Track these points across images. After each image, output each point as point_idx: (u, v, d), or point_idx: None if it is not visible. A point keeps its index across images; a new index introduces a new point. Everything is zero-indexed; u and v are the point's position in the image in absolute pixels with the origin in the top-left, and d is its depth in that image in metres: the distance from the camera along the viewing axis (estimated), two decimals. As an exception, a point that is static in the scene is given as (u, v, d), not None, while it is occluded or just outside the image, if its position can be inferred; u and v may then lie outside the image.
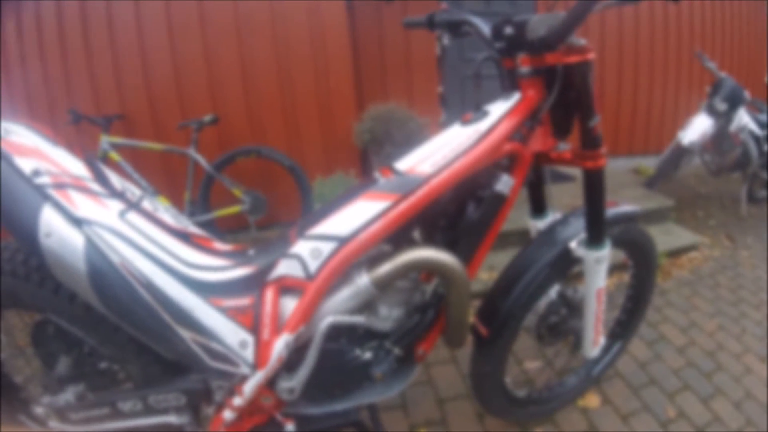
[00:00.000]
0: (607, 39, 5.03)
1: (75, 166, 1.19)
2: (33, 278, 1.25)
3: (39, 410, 1.45)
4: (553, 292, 1.60)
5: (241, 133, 3.76)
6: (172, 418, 1.31)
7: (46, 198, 1.09)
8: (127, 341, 1.27)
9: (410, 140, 3.45)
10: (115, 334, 1.27)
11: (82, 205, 1.11)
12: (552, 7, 1.33)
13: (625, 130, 5.35)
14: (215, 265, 1.20)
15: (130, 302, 1.12)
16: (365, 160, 3.81)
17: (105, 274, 1.10)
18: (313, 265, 1.11)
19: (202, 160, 3.37)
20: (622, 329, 1.93)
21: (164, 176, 3.67)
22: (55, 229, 1.08)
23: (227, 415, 1.20)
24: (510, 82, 1.28)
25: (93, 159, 1.26)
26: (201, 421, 1.36)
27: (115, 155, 3.38)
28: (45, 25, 3.60)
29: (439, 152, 1.17)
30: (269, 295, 1.14)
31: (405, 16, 3.72)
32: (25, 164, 1.12)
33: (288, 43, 3.68)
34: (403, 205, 1.12)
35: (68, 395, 1.43)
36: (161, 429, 1.34)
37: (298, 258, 1.12)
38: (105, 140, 3.39)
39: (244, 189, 3.46)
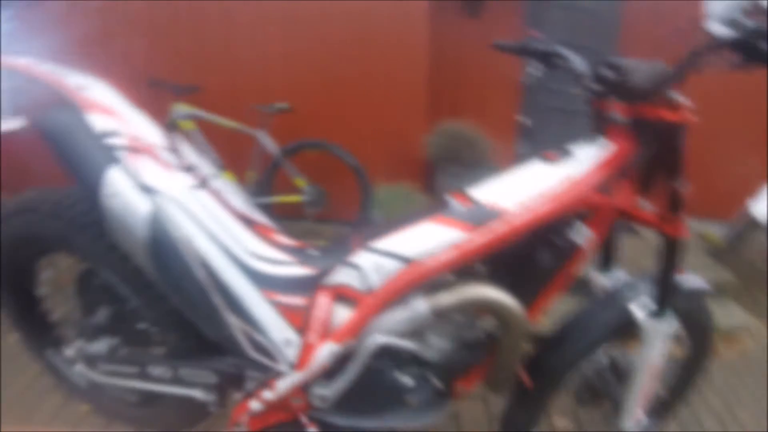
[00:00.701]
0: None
1: (151, 133, 1.20)
2: (90, 231, 1.27)
3: (69, 352, 1.49)
4: (602, 352, 1.55)
5: (311, 125, 3.78)
6: (198, 394, 1.32)
7: (115, 159, 1.11)
8: (172, 311, 1.28)
9: (479, 162, 3.43)
10: (161, 302, 1.29)
11: (153, 173, 1.12)
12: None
13: (691, 191, 5.09)
14: (275, 259, 1.20)
15: (184, 278, 1.13)
16: (430, 174, 3.79)
17: (164, 246, 1.11)
18: (373, 280, 1.09)
19: (272, 145, 3.42)
20: (661, 407, 1.84)
21: (229, 152, 3.71)
22: (120, 192, 1.09)
23: (254, 405, 1.21)
24: (598, 126, 1.22)
25: (171, 128, 1.28)
26: (225, 403, 1.37)
27: (186, 123, 3.46)
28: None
29: (522, 189, 1.12)
30: (323, 299, 1.13)
31: (488, 32, 3.68)
32: (98, 122, 1.13)
33: (368, 44, 3.70)
34: (477, 239, 1.07)
35: (101, 345, 1.46)
36: (184, 401, 1.36)
37: (360, 269, 1.11)
38: (179, 108, 3.46)
39: (307, 180, 3.49)
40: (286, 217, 3.74)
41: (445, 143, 3.48)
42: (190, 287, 1.14)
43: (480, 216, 1.10)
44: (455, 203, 1.14)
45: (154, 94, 3.46)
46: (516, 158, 4.01)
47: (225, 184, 1.32)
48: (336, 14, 3.68)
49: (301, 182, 3.49)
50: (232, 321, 1.15)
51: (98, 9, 4.39)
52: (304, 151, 3.53)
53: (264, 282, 1.16)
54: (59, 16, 5.00)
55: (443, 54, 4.01)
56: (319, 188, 3.53)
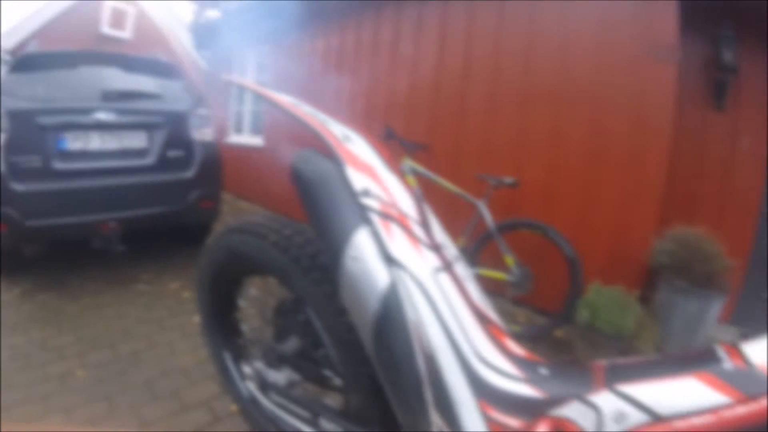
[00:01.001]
0: None
1: (404, 201, 1.15)
2: (312, 275, 1.25)
3: (247, 369, 1.51)
4: None
5: (529, 203, 3.71)
6: None
7: (367, 222, 1.07)
8: (368, 376, 1.20)
9: (712, 282, 3.04)
10: (360, 365, 1.22)
11: (401, 245, 1.07)
12: None
13: None
14: (503, 370, 1.08)
15: (402, 363, 1.05)
16: (651, 283, 3.36)
17: (392, 325, 1.04)
18: (609, 428, 0.92)
19: (489, 217, 3.37)
20: None
21: (444, 215, 3.69)
22: (364, 257, 1.05)
23: None
24: None
25: (422, 200, 1.22)
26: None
27: (411, 180, 3.54)
28: (387, 51, 3.96)
29: None
30: (543, 430, 0.99)
31: (733, 128, 3.28)
32: (356, 178, 1.11)
33: (603, 132, 3.47)
34: (741, 410, 0.86)
35: (281, 376, 1.44)
36: None
37: (598, 412, 0.95)
38: (408, 163, 3.59)
39: (516, 260, 3.35)
40: (483, 291, 3.63)
41: (674, 251, 3.09)
42: (404, 372, 1.05)
43: (753, 384, 0.88)
44: (726, 360, 0.94)
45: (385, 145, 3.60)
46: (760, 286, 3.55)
47: (466, 271, 1.24)
48: (573, 97, 3.57)
49: (509, 260, 3.36)
50: (435, 420, 1.04)
51: (348, 58, 4.76)
52: (519, 229, 3.39)
53: (484, 392, 1.04)
54: (312, 57, 5.53)
55: (683, 149, 3.62)
56: (526, 270, 3.33)
